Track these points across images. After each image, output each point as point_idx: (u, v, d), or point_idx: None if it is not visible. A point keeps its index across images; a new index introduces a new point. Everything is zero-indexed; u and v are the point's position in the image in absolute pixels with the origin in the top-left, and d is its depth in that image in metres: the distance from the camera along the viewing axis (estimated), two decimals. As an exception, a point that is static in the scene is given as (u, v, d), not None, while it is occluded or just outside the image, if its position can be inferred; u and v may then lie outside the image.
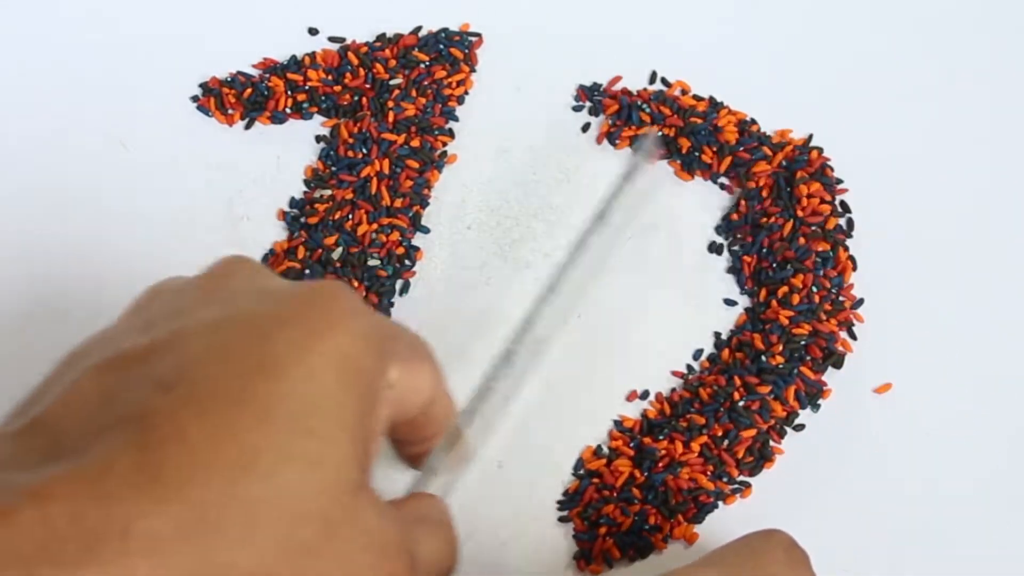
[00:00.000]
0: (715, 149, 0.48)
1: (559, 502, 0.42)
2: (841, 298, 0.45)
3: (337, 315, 0.24)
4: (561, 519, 0.42)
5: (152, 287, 0.28)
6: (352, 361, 0.24)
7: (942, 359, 0.45)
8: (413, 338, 0.29)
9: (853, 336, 0.45)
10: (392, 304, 0.45)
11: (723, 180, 0.49)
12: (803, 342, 0.44)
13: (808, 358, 0.44)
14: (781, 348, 0.43)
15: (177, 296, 0.26)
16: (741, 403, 0.43)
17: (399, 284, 0.45)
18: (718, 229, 0.47)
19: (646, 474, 0.42)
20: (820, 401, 0.44)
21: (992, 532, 0.42)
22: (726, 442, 0.42)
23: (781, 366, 0.43)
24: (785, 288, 0.45)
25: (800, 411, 0.43)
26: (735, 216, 0.47)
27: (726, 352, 0.44)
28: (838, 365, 0.44)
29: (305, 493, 0.22)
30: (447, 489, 0.34)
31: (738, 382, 0.43)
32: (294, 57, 0.50)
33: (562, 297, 0.39)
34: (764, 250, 0.46)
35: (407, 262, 0.46)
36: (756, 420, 0.42)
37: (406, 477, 0.31)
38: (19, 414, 0.24)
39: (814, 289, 0.45)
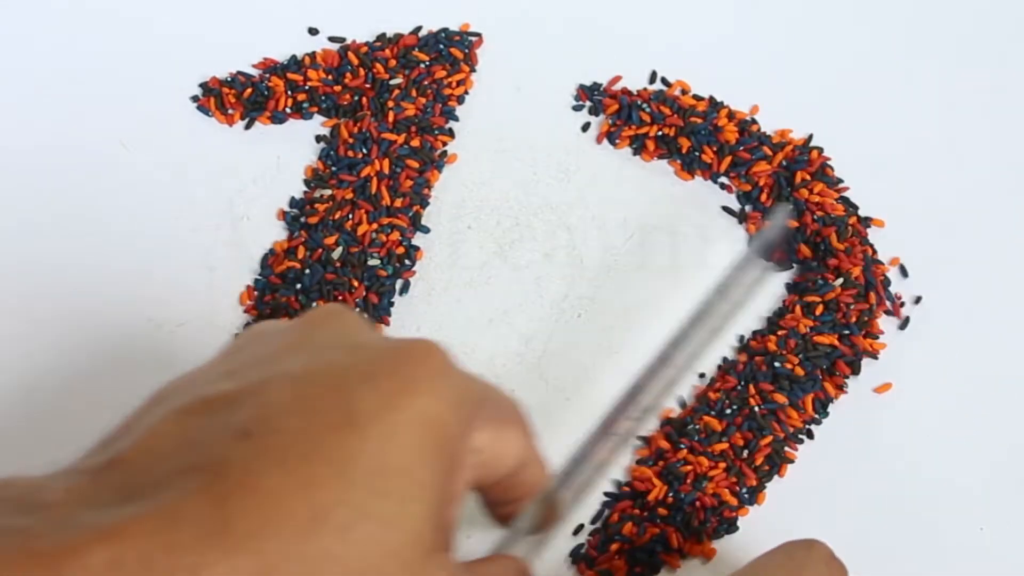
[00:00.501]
0: (715, 149, 0.48)
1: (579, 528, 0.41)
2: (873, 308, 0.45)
3: (425, 376, 0.24)
4: (575, 532, 0.41)
5: (246, 331, 0.28)
6: (436, 424, 0.24)
7: (943, 358, 0.45)
8: (503, 401, 0.28)
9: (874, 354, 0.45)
10: (392, 304, 0.45)
11: (723, 180, 0.49)
12: (828, 353, 0.43)
13: (835, 372, 0.43)
14: (799, 359, 0.43)
15: (267, 343, 0.26)
16: (757, 409, 0.42)
17: (399, 284, 0.45)
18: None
19: (672, 493, 0.41)
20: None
21: (1000, 529, 0.42)
22: (746, 452, 0.42)
23: (803, 377, 0.43)
24: (815, 296, 0.44)
25: (818, 418, 0.43)
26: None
27: (743, 356, 0.44)
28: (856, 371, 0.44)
29: (375, 554, 0.22)
30: (534, 550, 0.34)
31: (752, 390, 0.43)
32: (294, 57, 0.50)
33: (671, 369, 0.39)
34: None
35: (407, 262, 0.46)
36: (774, 428, 0.42)
37: (494, 535, 0.30)
38: (99, 450, 0.24)
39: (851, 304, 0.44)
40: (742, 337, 0.45)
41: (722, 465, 0.41)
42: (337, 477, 0.22)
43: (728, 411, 0.42)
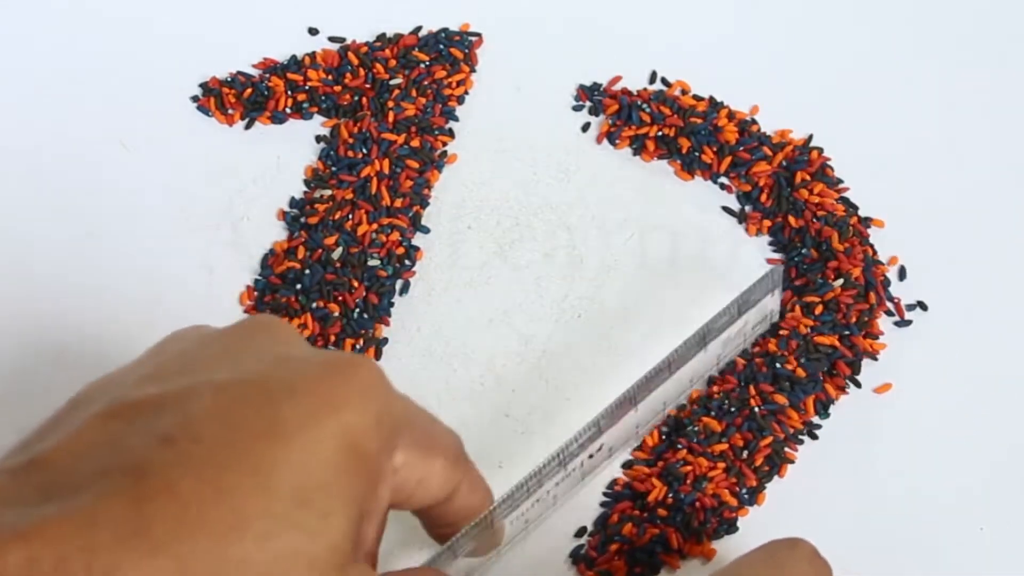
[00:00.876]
0: (715, 149, 0.48)
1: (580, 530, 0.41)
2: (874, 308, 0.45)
3: (350, 391, 0.24)
4: (577, 534, 0.41)
5: (173, 334, 0.28)
6: (358, 440, 0.24)
7: (943, 358, 0.45)
8: (435, 429, 0.29)
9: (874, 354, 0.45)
10: (392, 304, 0.45)
11: (723, 180, 0.49)
12: (829, 354, 0.43)
13: (835, 372, 0.43)
14: (803, 360, 0.43)
15: (196, 348, 0.26)
16: (757, 410, 0.42)
17: (399, 284, 0.45)
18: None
19: (672, 494, 0.41)
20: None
21: (1000, 529, 0.42)
22: (745, 453, 0.42)
23: (805, 378, 0.43)
24: (815, 297, 0.44)
25: (818, 420, 0.43)
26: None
27: (743, 357, 0.44)
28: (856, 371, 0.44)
29: (294, 564, 0.22)
30: (468, 572, 0.34)
31: (752, 391, 0.43)
32: (294, 57, 0.50)
33: (637, 413, 0.39)
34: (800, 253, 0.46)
35: (407, 262, 0.46)
36: (774, 429, 0.42)
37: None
38: (21, 450, 0.24)
39: (851, 302, 0.44)
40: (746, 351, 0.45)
41: (721, 465, 0.41)
42: (259, 487, 0.22)
43: (728, 412, 0.42)
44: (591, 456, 0.38)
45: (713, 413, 0.42)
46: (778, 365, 0.43)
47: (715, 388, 0.43)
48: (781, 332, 0.44)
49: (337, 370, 0.25)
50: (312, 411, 0.24)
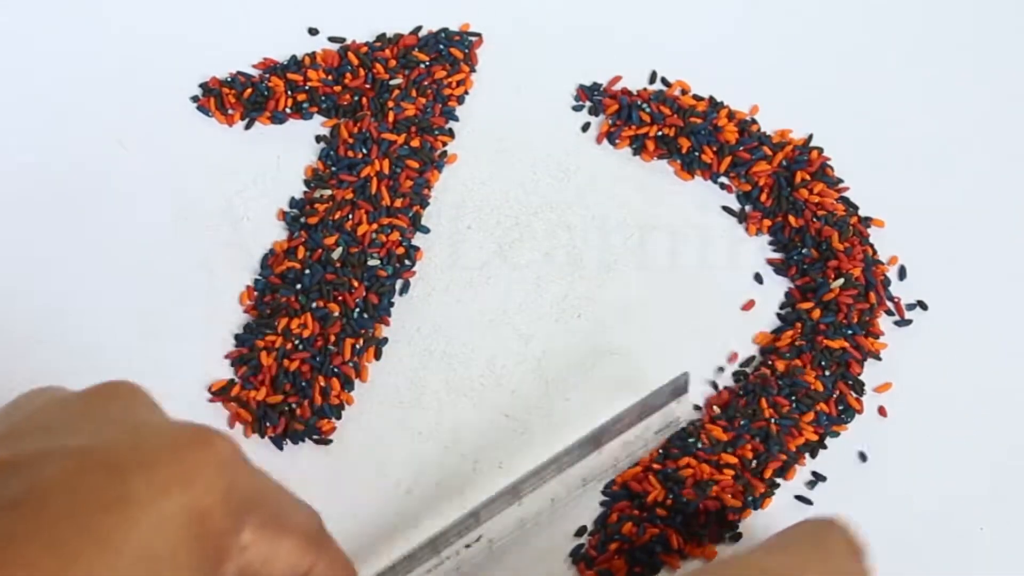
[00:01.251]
0: (715, 149, 0.48)
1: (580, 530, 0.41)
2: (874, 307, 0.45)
3: (202, 466, 0.25)
4: (577, 533, 0.41)
5: (28, 393, 0.28)
6: (204, 517, 0.24)
7: (943, 358, 0.45)
8: (290, 508, 0.29)
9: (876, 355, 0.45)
10: (392, 304, 0.45)
11: (723, 180, 0.49)
12: (840, 356, 0.43)
13: (849, 379, 0.43)
14: (818, 371, 0.43)
15: (52, 411, 0.26)
16: (772, 422, 0.42)
17: (399, 284, 0.45)
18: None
19: (671, 496, 0.41)
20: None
21: (1000, 529, 0.42)
22: (755, 463, 0.41)
23: (821, 391, 0.43)
24: (831, 294, 0.44)
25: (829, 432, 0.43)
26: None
27: (755, 368, 0.44)
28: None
29: None
30: None
31: (764, 404, 0.42)
32: (294, 57, 0.50)
33: (521, 507, 0.39)
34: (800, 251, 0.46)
35: (407, 262, 0.46)
36: (787, 443, 0.42)
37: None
38: None
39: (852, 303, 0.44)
40: (750, 359, 0.45)
41: (729, 473, 0.41)
42: (104, 558, 0.22)
43: (739, 424, 0.42)
44: (468, 546, 0.38)
45: (720, 425, 0.42)
46: (797, 378, 0.43)
47: (725, 398, 0.43)
48: (787, 334, 0.44)
49: (191, 443, 0.25)
50: (162, 485, 0.24)
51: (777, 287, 0.46)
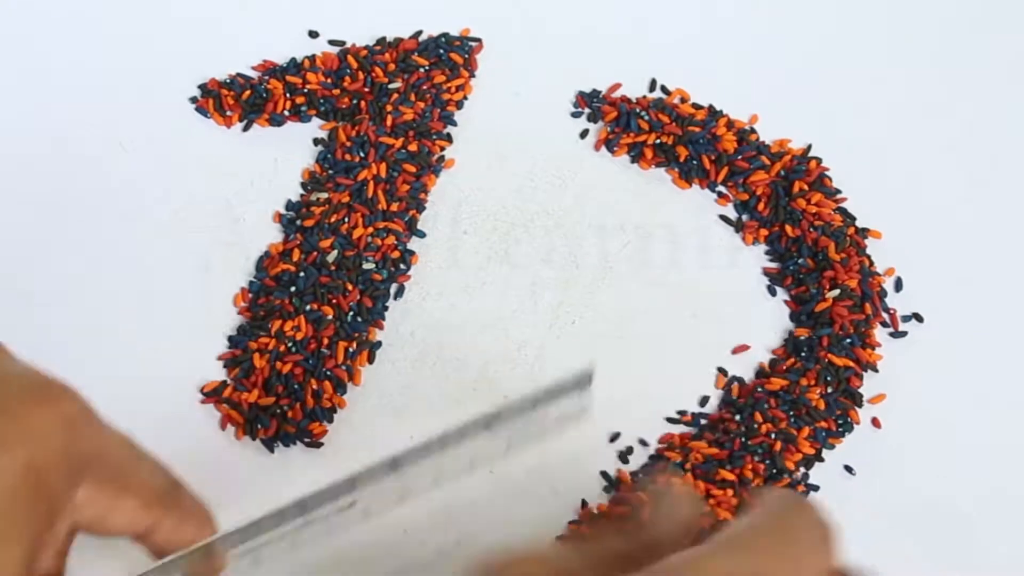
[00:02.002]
0: (713, 158, 0.48)
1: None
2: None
3: (45, 421, 0.25)
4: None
5: None
6: (40, 473, 0.24)
7: (941, 366, 0.45)
8: (133, 468, 0.29)
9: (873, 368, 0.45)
10: (386, 308, 0.45)
11: (721, 189, 0.48)
12: (842, 373, 0.43)
13: (849, 392, 0.43)
14: (822, 388, 0.43)
15: None
16: (773, 436, 0.41)
17: (394, 288, 0.45)
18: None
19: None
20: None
21: (1000, 529, 0.41)
22: (751, 476, 0.41)
23: (824, 408, 0.42)
24: (825, 304, 0.44)
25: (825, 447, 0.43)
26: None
27: (752, 383, 0.43)
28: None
29: None
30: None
31: (760, 418, 0.42)
32: (293, 60, 0.50)
33: (401, 480, 0.37)
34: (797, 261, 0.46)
35: (402, 266, 0.46)
36: (787, 461, 0.42)
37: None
38: None
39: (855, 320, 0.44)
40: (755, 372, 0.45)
41: (722, 492, 0.41)
42: None
43: (737, 442, 0.42)
44: (340, 510, 0.37)
45: (715, 444, 0.42)
46: (800, 395, 0.42)
47: (723, 415, 0.43)
48: (792, 365, 0.44)
49: (38, 397, 0.25)
50: (2, 437, 0.24)
51: (775, 300, 0.46)
